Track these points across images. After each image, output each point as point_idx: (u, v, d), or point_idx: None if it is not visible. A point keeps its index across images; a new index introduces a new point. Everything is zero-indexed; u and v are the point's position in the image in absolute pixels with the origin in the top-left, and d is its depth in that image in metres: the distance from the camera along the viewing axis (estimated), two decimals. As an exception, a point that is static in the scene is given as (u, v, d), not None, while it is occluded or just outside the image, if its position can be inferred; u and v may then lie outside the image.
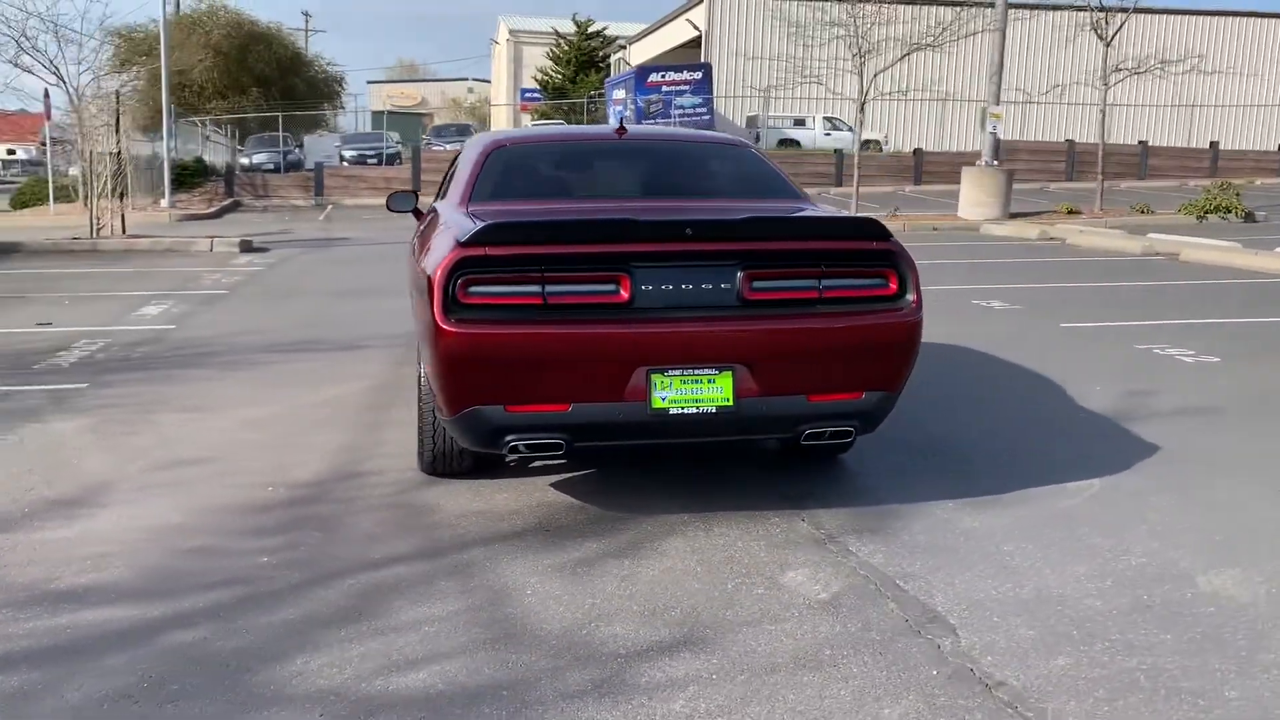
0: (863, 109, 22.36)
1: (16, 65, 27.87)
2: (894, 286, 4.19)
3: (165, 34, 27.67)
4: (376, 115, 67.18)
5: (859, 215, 4.40)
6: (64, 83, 27.12)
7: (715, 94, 35.11)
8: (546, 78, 51.72)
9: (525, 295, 3.93)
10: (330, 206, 28.13)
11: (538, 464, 5.04)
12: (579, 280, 3.98)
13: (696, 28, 38.05)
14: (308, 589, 3.67)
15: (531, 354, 3.92)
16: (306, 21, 69.45)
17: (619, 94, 36.48)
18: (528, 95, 54.28)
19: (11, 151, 54.28)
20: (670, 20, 42.01)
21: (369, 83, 79.84)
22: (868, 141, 30.82)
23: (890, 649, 3.25)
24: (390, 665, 3.13)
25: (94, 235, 17.32)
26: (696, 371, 3.99)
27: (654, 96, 33.70)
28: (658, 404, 3.98)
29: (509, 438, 4.04)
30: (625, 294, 3.96)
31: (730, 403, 4.01)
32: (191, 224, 23.00)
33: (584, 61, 50.82)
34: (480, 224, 4.08)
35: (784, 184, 5.20)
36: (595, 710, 2.89)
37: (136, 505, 4.54)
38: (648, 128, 6.46)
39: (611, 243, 4.01)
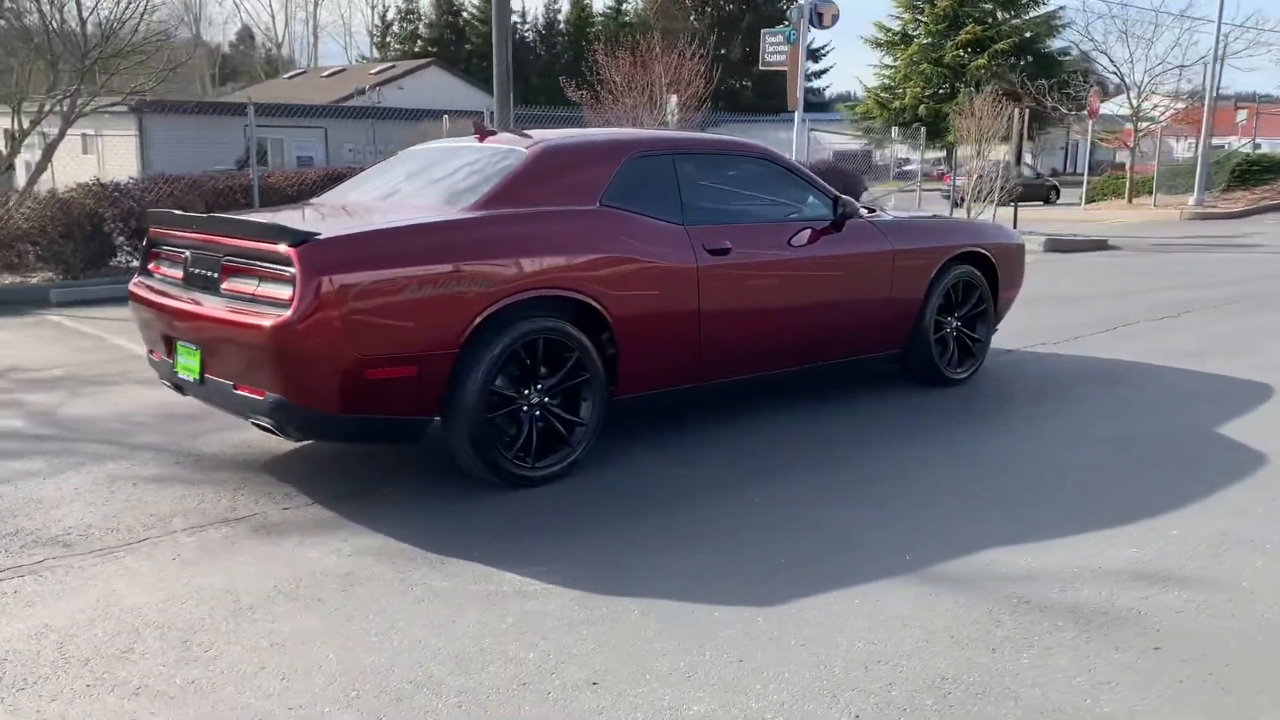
0: None
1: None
2: (290, 292, 4.16)
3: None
4: None
5: (280, 221, 4.49)
6: (1124, 86, 29.34)
7: None
8: None
9: (158, 268, 5.03)
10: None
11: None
12: (170, 259, 4.94)
13: None
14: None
15: (138, 313, 5.06)
16: None
17: None
18: None
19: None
20: None
21: None
22: None
23: None
24: None
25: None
26: (186, 345, 4.65)
27: None
28: (177, 367, 4.75)
29: (160, 377, 5.12)
30: (181, 274, 4.78)
31: (198, 377, 4.58)
32: (1190, 224, 21.59)
33: None
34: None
35: (489, 188, 4.81)
36: None
37: (143, 395, 6.23)
38: (506, 135, 6.01)
39: (166, 229, 4.94)
